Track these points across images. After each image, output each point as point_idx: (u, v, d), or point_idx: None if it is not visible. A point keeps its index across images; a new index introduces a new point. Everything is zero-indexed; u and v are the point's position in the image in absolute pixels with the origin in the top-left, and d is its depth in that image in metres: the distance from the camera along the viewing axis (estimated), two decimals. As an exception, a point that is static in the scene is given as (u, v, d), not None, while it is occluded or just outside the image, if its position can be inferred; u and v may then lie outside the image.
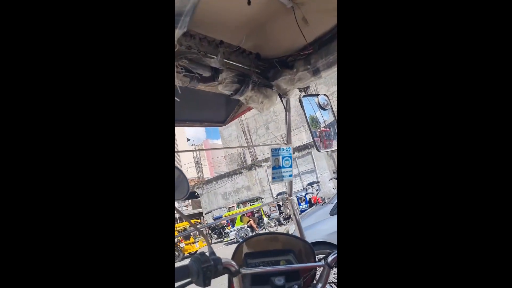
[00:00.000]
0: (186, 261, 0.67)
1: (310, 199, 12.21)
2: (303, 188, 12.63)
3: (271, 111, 17.36)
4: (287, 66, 1.17)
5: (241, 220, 11.39)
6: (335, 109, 1.36)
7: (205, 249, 10.94)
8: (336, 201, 3.41)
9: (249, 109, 1.42)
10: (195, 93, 1.25)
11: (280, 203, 12.15)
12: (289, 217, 2.30)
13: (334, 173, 12.88)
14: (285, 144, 1.45)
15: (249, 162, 17.19)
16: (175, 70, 0.84)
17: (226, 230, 11.48)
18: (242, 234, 10.49)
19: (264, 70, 1.20)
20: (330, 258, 0.90)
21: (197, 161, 19.78)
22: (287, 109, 1.41)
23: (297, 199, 12.42)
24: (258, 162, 16.05)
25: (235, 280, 0.81)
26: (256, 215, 11.69)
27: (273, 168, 1.42)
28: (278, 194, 13.89)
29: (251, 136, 17.69)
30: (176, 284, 0.65)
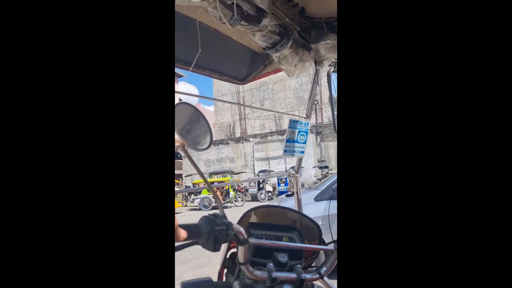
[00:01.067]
0: (192, 219, 0.59)
1: (290, 181, 12.45)
2: (286, 170, 12.79)
3: (269, 89, 17.06)
4: (332, 30, 1.03)
5: (208, 190, 11.47)
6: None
7: (180, 209, 11.05)
8: (323, 188, 3.42)
9: (275, 71, 1.29)
10: (222, 41, 1.11)
11: (261, 180, 12.29)
12: (292, 194, 2.29)
13: (318, 161, 13.05)
14: (305, 118, 1.35)
15: (237, 134, 17.07)
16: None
17: (192, 197, 11.57)
18: (206, 203, 10.64)
19: (306, 29, 1.05)
20: None
21: (186, 123, 19.46)
22: (315, 80, 1.29)
23: (278, 180, 12.62)
24: (246, 136, 15.99)
25: (241, 249, 0.74)
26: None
27: (287, 140, 1.32)
28: (260, 171, 14.03)
29: (245, 110, 17.45)
30: (177, 244, 0.58)
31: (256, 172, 14.65)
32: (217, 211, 0.67)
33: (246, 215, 0.97)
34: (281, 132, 14.78)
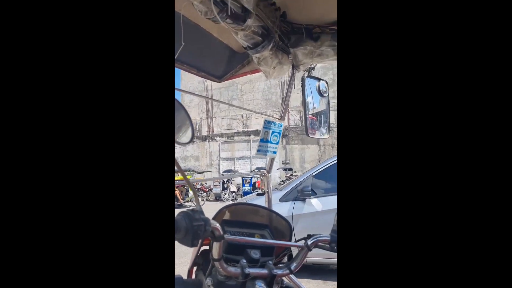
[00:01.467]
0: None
1: (254, 182, 12.52)
2: (251, 171, 12.86)
3: (238, 89, 17.06)
4: (311, 37, 1.08)
5: None
6: (332, 98, 1.32)
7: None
8: (288, 189, 3.51)
9: (253, 72, 1.30)
10: (202, 37, 1.10)
11: (225, 180, 12.23)
12: (263, 194, 2.29)
13: (283, 163, 13.33)
14: (279, 119, 1.38)
15: (204, 133, 16.80)
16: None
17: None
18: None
19: (286, 33, 1.09)
20: (310, 241, 0.89)
21: (149, 118, 18.70)
22: (290, 84, 1.33)
23: (243, 180, 12.66)
24: (213, 135, 15.80)
25: (216, 245, 0.74)
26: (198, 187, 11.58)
27: (261, 140, 1.34)
28: (225, 171, 13.94)
29: (213, 108, 17.25)
30: None
31: (221, 171, 14.54)
32: (194, 206, 0.67)
33: (221, 212, 0.97)
34: (248, 133, 14.86)
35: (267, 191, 1.40)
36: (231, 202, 2.37)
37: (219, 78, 1.33)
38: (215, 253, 0.75)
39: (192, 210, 0.64)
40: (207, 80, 1.23)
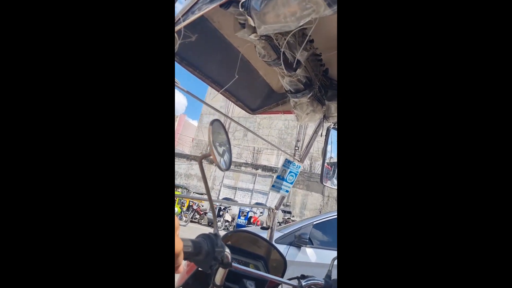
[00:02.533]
0: (186, 234, 0.57)
1: (250, 217, 12.24)
2: (249, 204, 12.62)
3: (256, 122, 17.43)
4: (346, 95, 1.18)
5: None
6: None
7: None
8: (285, 232, 3.44)
9: (285, 112, 1.40)
10: (250, 72, 1.22)
11: (222, 207, 12.03)
12: (267, 228, 2.12)
13: (283, 205, 13.07)
14: (298, 161, 1.44)
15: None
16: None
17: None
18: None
19: (325, 87, 1.20)
20: (304, 282, 0.90)
21: (165, 130, 19.04)
22: (316, 131, 1.41)
23: (240, 211, 12.41)
24: (219, 168, 15.81)
25: (221, 271, 0.74)
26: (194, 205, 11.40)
27: (277, 177, 1.40)
28: (223, 198, 13.76)
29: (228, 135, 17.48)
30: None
31: (219, 198, 14.36)
32: (208, 230, 0.68)
33: (226, 237, 0.99)
34: (256, 166, 14.85)
35: (271, 226, 1.42)
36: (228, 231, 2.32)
37: (253, 110, 1.43)
38: (218, 279, 0.74)
39: (215, 234, 0.64)
40: (230, 107, 1.32)
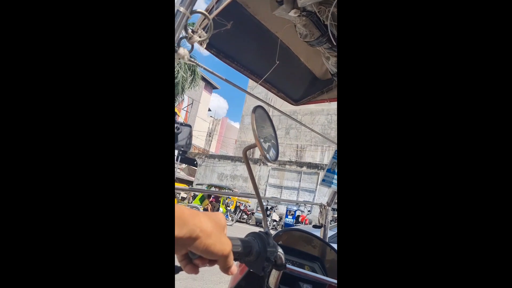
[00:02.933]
0: (232, 233, 0.52)
1: (298, 216, 12.08)
2: (297, 203, 12.49)
3: (298, 119, 17.12)
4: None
5: (200, 200, 11.07)
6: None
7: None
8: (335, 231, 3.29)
9: (331, 100, 1.29)
10: (290, 59, 1.14)
11: (269, 207, 12.05)
12: (320, 226, 2.03)
13: (335, 203, 12.66)
14: (350, 152, 1.32)
15: (257, 156, 17.10)
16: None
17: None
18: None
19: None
20: None
21: (210, 133, 19.79)
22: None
23: (287, 210, 12.33)
24: (265, 159, 15.95)
25: (275, 273, 0.67)
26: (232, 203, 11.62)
27: (328, 170, 1.29)
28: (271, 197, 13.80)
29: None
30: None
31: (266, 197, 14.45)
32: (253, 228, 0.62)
33: (277, 236, 0.93)
34: (300, 164, 14.63)
35: (324, 224, 1.32)
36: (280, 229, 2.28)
37: (296, 101, 1.35)
38: (272, 282, 0.68)
39: (266, 233, 0.58)
40: (268, 109, 1.24)
